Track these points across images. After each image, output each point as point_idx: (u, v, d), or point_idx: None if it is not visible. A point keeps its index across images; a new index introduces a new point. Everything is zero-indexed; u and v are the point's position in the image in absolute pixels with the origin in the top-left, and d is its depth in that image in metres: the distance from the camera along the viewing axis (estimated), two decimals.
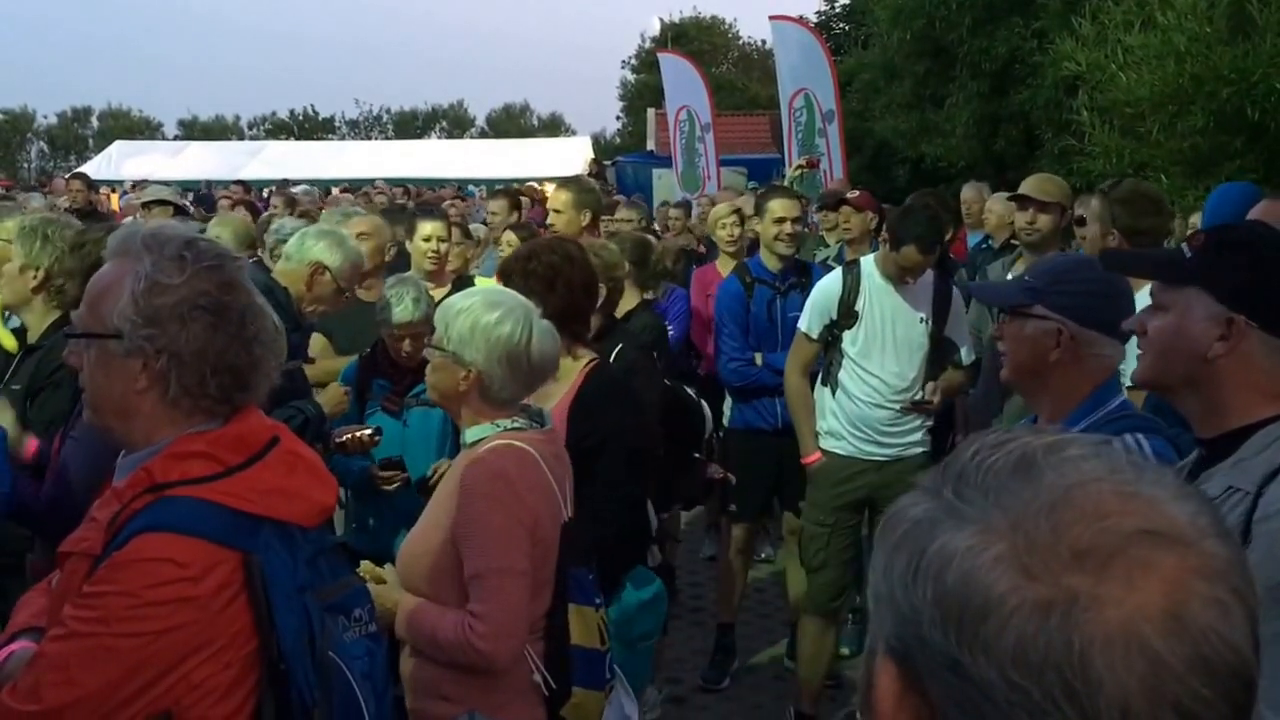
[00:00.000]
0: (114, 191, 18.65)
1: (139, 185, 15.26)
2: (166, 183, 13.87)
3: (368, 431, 4.11)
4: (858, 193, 6.47)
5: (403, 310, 4.23)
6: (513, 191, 9.24)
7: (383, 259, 5.39)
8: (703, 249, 9.01)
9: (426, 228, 5.61)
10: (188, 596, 1.68)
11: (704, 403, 4.65)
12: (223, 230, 5.60)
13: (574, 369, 3.30)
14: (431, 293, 4.51)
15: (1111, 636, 0.68)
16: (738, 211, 6.70)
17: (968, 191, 8.14)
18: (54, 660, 1.68)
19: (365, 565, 2.77)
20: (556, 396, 3.24)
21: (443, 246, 5.59)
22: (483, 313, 2.71)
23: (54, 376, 3.50)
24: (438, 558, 2.65)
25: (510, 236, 5.92)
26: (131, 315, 1.77)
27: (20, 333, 3.77)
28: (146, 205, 8.24)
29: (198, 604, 1.69)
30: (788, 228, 5.36)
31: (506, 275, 3.46)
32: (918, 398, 4.69)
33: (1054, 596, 0.69)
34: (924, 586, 0.73)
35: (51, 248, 3.61)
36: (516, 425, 2.72)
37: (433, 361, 2.77)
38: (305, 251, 4.11)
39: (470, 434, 2.73)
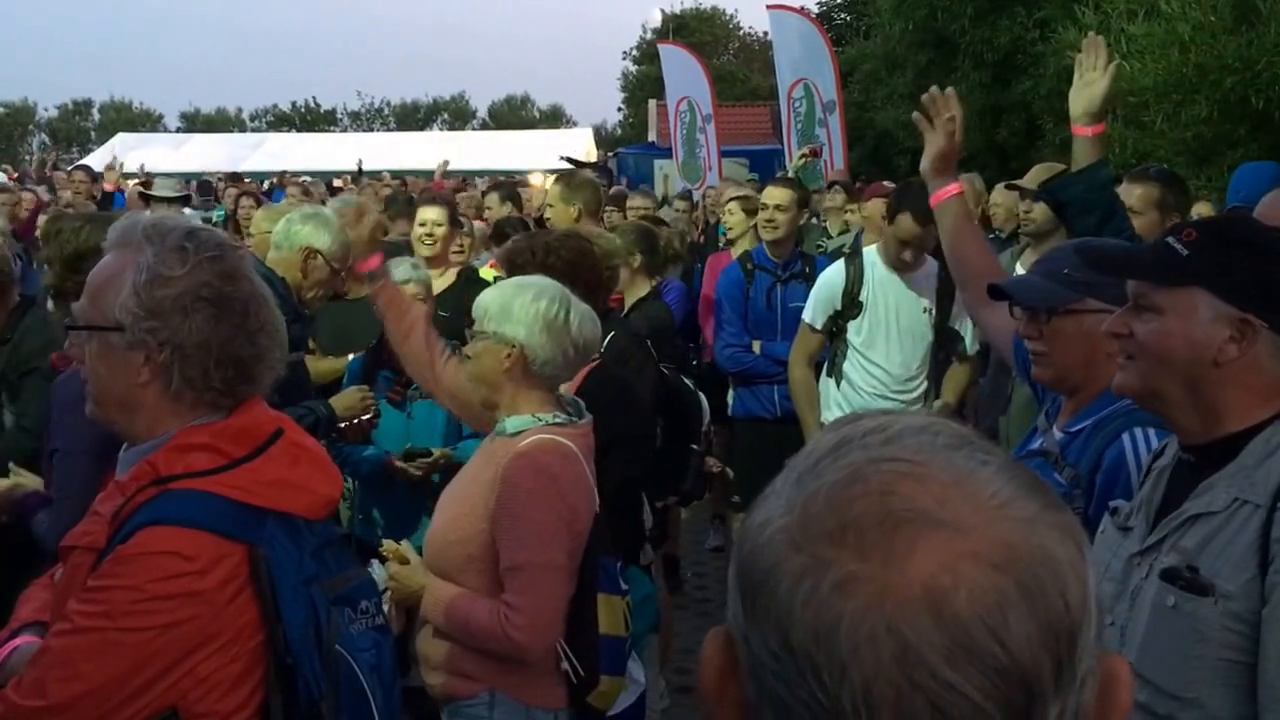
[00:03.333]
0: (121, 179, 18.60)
1: (146, 178, 15.24)
2: (169, 175, 13.85)
3: (367, 417, 4.11)
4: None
5: (401, 271, 4.26)
6: (508, 184, 9.25)
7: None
8: (703, 239, 9.01)
9: (423, 214, 5.75)
10: (193, 590, 1.67)
11: (701, 394, 4.63)
12: (270, 225, 5.39)
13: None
14: (433, 280, 4.56)
15: (860, 615, 0.65)
16: (738, 200, 6.71)
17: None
18: (58, 655, 1.67)
19: (389, 545, 2.83)
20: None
21: (438, 230, 5.66)
22: (516, 292, 2.78)
23: (28, 363, 3.52)
24: (472, 546, 2.69)
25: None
26: (133, 307, 1.75)
27: None
28: (144, 198, 8.23)
29: (203, 597, 1.68)
30: (768, 214, 5.44)
31: (518, 266, 3.40)
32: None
33: (808, 569, 0.67)
34: (734, 561, 0.73)
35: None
36: (558, 420, 2.75)
37: (473, 352, 2.78)
38: (293, 237, 4.03)
39: (511, 424, 2.74)
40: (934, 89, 3.08)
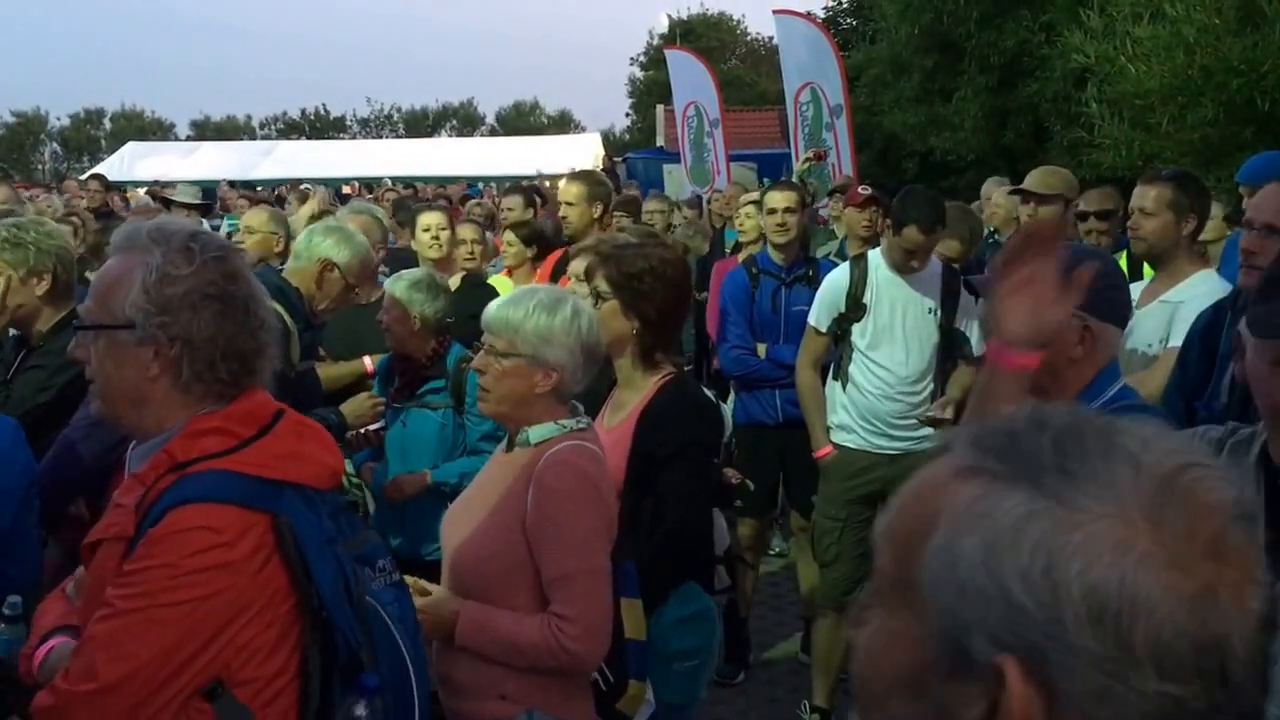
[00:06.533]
0: (126, 192, 18.72)
1: (165, 185, 15.34)
2: (178, 183, 13.93)
3: (374, 427, 4.14)
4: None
5: (429, 301, 4.30)
6: (528, 188, 9.29)
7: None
8: (709, 246, 9.00)
9: (426, 219, 5.95)
10: (225, 561, 1.75)
11: (722, 405, 4.63)
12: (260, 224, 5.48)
13: (650, 380, 3.22)
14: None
15: (1243, 617, 0.74)
16: (756, 204, 6.72)
17: (989, 187, 8.09)
18: (105, 639, 1.74)
19: (407, 580, 2.70)
20: (629, 406, 3.20)
21: (443, 235, 5.85)
22: (551, 312, 2.69)
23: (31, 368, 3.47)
24: (508, 559, 2.61)
25: (510, 236, 6.09)
26: (144, 305, 1.84)
27: (22, 340, 3.70)
28: (165, 203, 8.34)
29: (234, 567, 1.76)
30: (778, 218, 5.43)
31: (634, 275, 3.21)
32: (931, 413, 4.67)
33: (1202, 591, 0.74)
34: (1065, 586, 0.74)
35: (45, 247, 3.54)
36: (580, 426, 2.72)
37: (497, 370, 2.70)
38: (313, 249, 4.05)
39: (536, 433, 2.69)
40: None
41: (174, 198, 9.30)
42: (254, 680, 1.79)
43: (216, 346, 1.86)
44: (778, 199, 5.50)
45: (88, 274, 4.38)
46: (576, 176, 5.89)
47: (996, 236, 6.97)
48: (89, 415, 3.04)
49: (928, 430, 4.73)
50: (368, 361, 4.75)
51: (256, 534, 1.79)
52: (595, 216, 5.50)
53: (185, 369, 1.86)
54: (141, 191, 12.87)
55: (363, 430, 4.12)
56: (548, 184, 13.25)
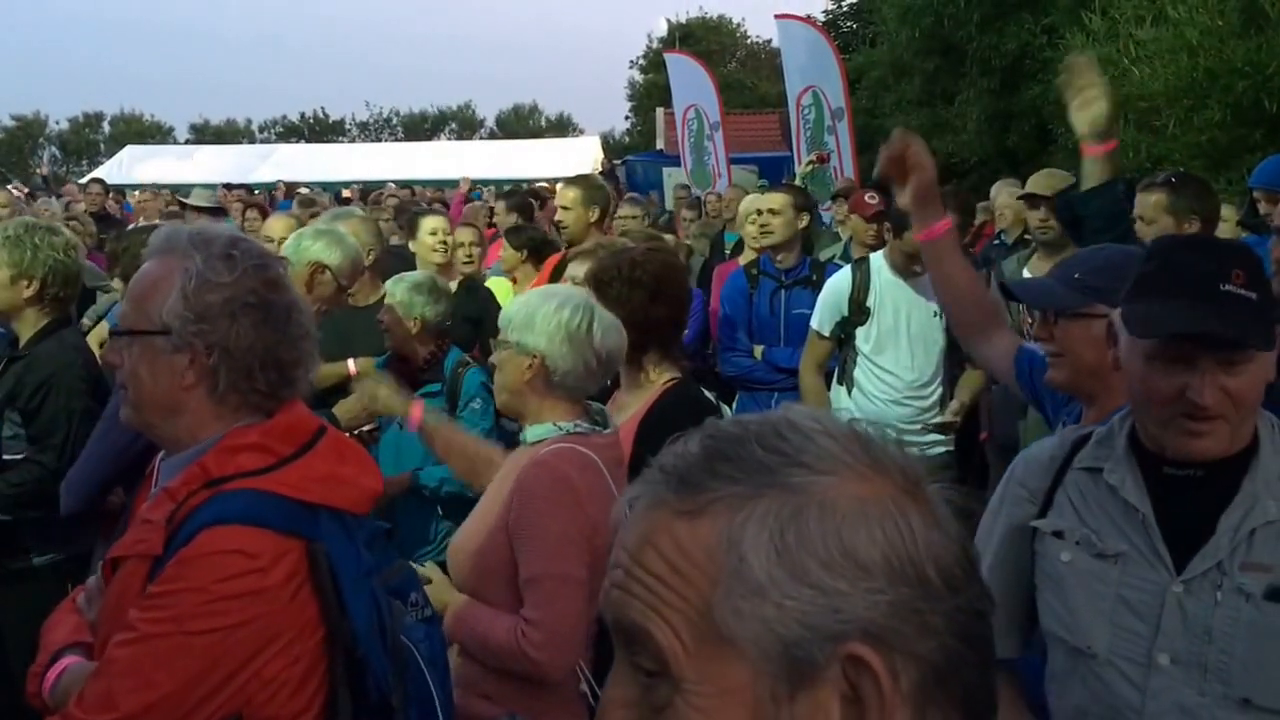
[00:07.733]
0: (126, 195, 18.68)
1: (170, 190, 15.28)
2: (177, 187, 13.88)
3: (367, 428, 4.09)
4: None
5: (434, 305, 4.29)
6: (519, 194, 9.22)
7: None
8: (709, 249, 8.96)
9: (430, 223, 5.84)
10: (258, 589, 1.66)
11: (725, 406, 4.56)
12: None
13: (653, 385, 3.21)
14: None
15: (954, 518, 0.85)
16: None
17: (999, 189, 8.04)
18: (126, 665, 1.65)
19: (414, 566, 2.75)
20: (630, 410, 3.17)
21: (448, 239, 5.76)
22: (540, 301, 2.72)
23: (46, 384, 3.50)
24: (491, 557, 2.60)
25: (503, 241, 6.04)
26: (182, 311, 1.77)
27: (12, 342, 3.72)
28: (180, 206, 8.34)
29: (267, 595, 1.67)
30: (762, 218, 5.40)
31: (604, 282, 3.25)
32: (939, 420, 4.60)
33: (929, 508, 0.83)
34: (863, 553, 0.78)
35: (44, 257, 3.57)
36: (580, 429, 2.66)
37: (497, 361, 2.74)
38: (303, 252, 4.00)
39: (531, 433, 2.68)
40: (896, 134, 2.92)
41: (188, 201, 9.24)
42: (276, 718, 1.69)
43: (255, 355, 1.80)
44: (764, 200, 5.50)
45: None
46: (574, 181, 5.85)
47: (1004, 238, 6.91)
48: (115, 406, 3.04)
49: (936, 436, 4.67)
50: (351, 365, 4.71)
51: (291, 561, 1.70)
52: (592, 220, 5.44)
53: (222, 379, 1.79)
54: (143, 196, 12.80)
55: (357, 433, 4.07)
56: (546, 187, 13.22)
